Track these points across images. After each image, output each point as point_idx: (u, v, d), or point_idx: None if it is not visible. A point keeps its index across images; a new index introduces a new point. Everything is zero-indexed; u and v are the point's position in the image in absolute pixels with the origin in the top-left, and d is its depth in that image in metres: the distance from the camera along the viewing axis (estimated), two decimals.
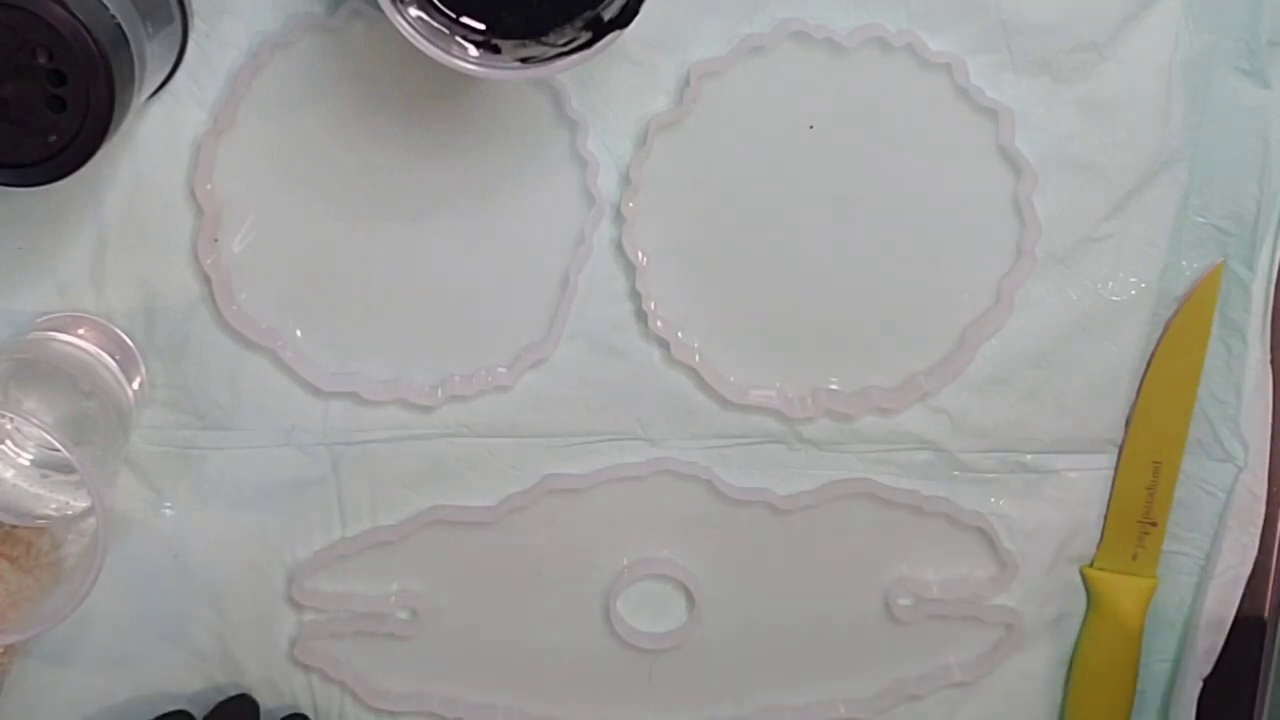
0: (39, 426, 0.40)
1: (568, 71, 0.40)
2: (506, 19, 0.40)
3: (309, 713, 0.53)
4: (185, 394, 0.49)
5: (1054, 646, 0.55)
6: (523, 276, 0.50)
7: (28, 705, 0.52)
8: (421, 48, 0.39)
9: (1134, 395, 0.53)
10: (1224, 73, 0.50)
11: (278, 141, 0.47)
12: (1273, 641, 0.53)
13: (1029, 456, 0.53)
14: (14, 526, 0.46)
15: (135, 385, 0.48)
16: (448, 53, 0.39)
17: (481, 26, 0.40)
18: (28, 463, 0.47)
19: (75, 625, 0.49)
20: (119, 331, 0.48)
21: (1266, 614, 0.53)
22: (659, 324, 0.50)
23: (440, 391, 0.50)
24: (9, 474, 0.46)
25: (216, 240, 0.48)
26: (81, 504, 0.46)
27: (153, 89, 0.45)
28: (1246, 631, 0.53)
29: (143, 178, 0.47)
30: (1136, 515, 0.53)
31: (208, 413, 0.50)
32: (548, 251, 0.49)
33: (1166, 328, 0.52)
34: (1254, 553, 0.53)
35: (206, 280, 0.48)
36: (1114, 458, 0.53)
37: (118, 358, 0.47)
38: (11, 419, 0.46)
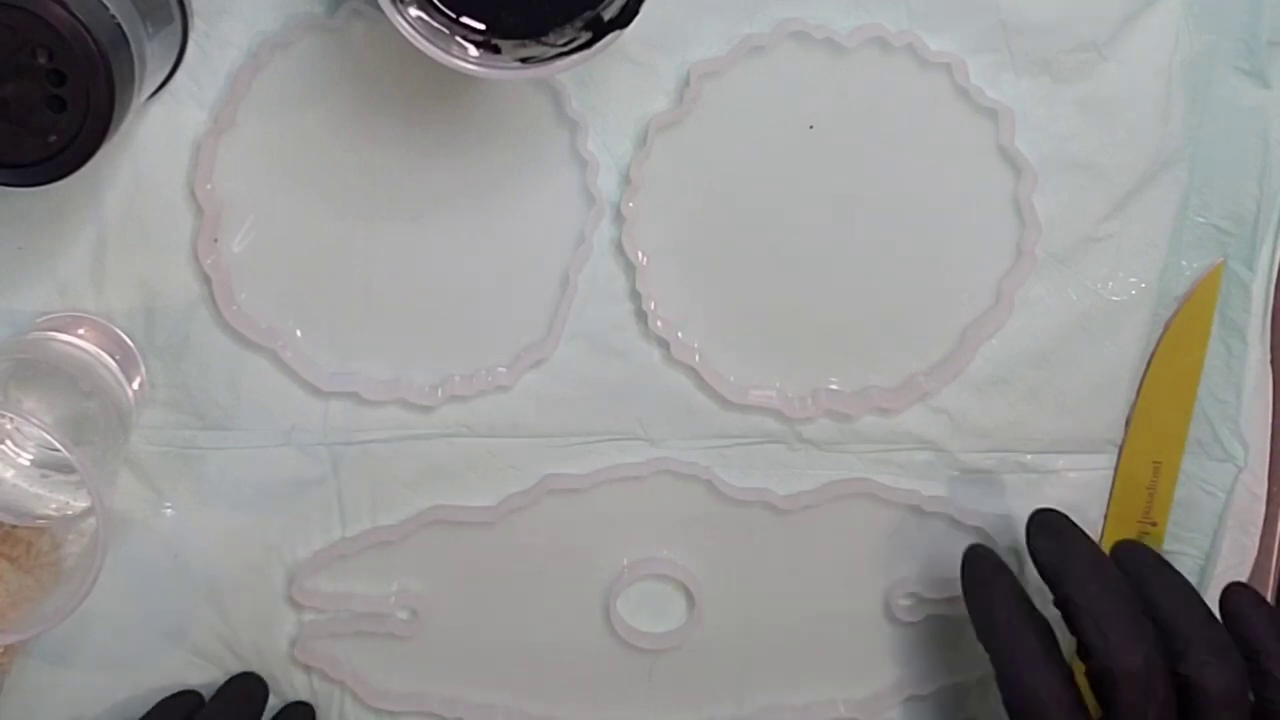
0: (39, 426, 0.40)
1: (568, 71, 0.40)
2: (506, 19, 0.40)
3: None
4: (185, 394, 0.49)
5: None
6: (523, 276, 0.50)
7: (28, 705, 0.52)
8: (421, 48, 0.39)
9: (1134, 395, 0.53)
10: (1224, 73, 0.50)
11: (278, 141, 0.47)
12: None
13: (1029, 456, 0.53)
14: (14, 526, 0.46)
15: (135, 385, 0.48)
16: (448, 53, 0.39)
17: (481, 26, 0.40)
18: (28, 463, 0.47)
19: (75, 625, 0.49)
20: (119, 331, 0.48)
21: None
22: (659, 324, 0.50)
23: (440, 391, 0.50)
24: (9, 474, 0.46)
25: (216, 240, 0.48)
26: (81, 504, 0.46)
27: (153, 89, 0.45)
28: None
29: (143, 178, 0.47)
30: (1136, 515, 0.54)
31: (208, 413, 0.50)
32: (548, 251, 0.49)
33: (1166, 328, 0.52)
34: (1254, 553, 0.53)
35: (206, 280, 0.48)
36: (1114, 458, 0.53)
37: (118, 358, 0.47)
38: (11, 419, 0.46)
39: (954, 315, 0.51)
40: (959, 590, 0.53)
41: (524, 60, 0.40)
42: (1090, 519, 0.54)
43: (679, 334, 0.50)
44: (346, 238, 0.49)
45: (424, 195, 0.48)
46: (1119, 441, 0.53)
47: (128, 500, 0.50)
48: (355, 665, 0.53)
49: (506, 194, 0.49)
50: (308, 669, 0.53)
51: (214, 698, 0.51)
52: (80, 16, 0.36)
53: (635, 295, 0.50)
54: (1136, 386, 0.53)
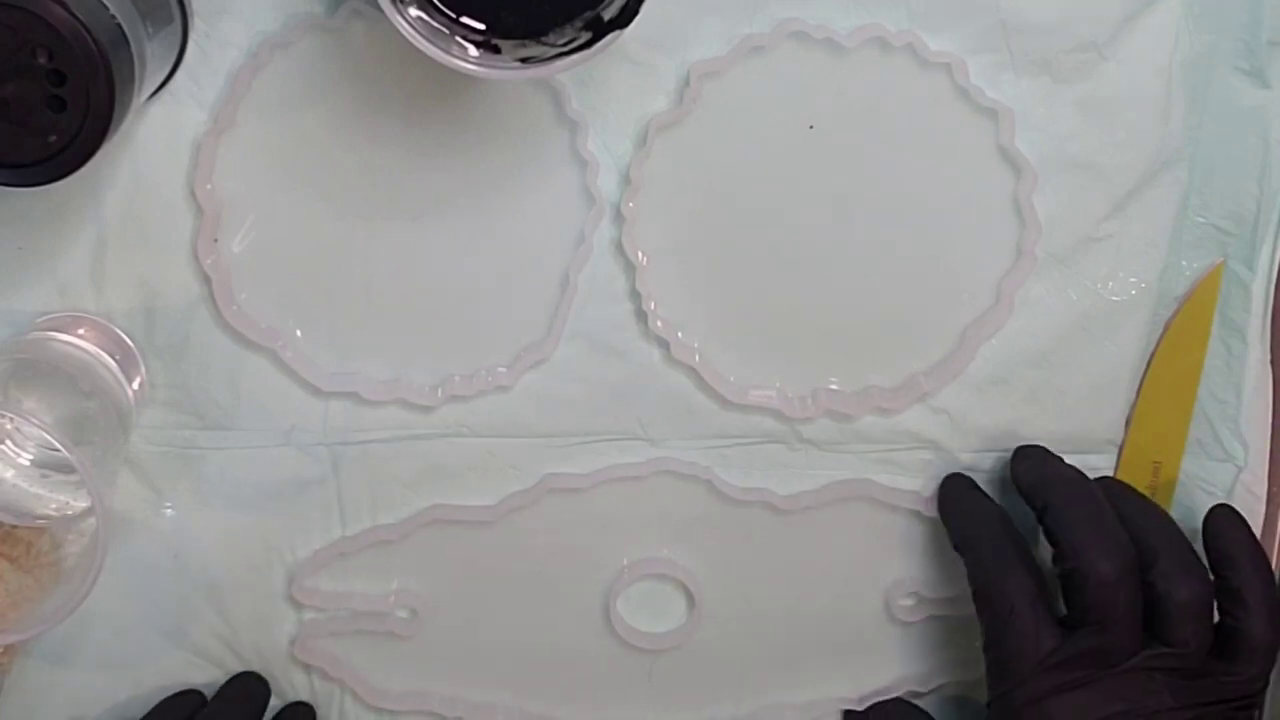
0: (39, 426, 0.40)
1: (568, 71, 0.40)
2: (506, 19, 0.40)
3: None
4: (185, 394, 0.49)
5: None
6: (523, 276, 0.50)
7: (28, 705, 0.52)
8: (421, 48, 0.39)
9: (1134, 395, 0.53)
10: (1224, 73, 0.50)
11: (278, 141, 0.47)
12: None
13: None
14: (14, 526, 0.46)
15: (135, 385, 0.48)
16: (448, 53, 0.39)
17: (481, 26, 0.40)
18: (28, 463, 0.47)
19: (75, 625, 0.49)
20: (119, 331, 0.48)
21: None
22: (659, 324, 0.50)
23: (440, 391, 0.50)
24: (9, 474, 0.46)
25: (216, 240, 0.48)
26: (81, 504, 0.46)
27: (153, 89, 0.45)
28: None
29: (143, 178, 0.47)
30: None
31: (208, 413, 0.50)
32: (548, 251, 0.49)
33: (1166, 328, 0.52)
34: None
35: (206, 280, 0.48)
36: (1114, 458, 0.53)
37: (118, 358, 0.47)
38: (11, 419, 0.46)
39: (954, 315, 0.51)
40: (959, 590, 0.53)
41: (524, 60, 0.40)
42: None
43: (679, 334, 0.50)
44: (346, 238, 0.48)
45: (424, 195, 0.48)
46: (1119, 441, 0.53)
47: (128, 500, 0.50)
48: (355, 664, 0.53)
49: (506, 194, 0.49)
50: (307, 668, 0.53)
51: (215, 697, 0.51)
52: (80, 16, 0.36)
53: (635, 295, 0.50)
54: (1136, 386, 0.53)
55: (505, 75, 0.40)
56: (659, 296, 0.50)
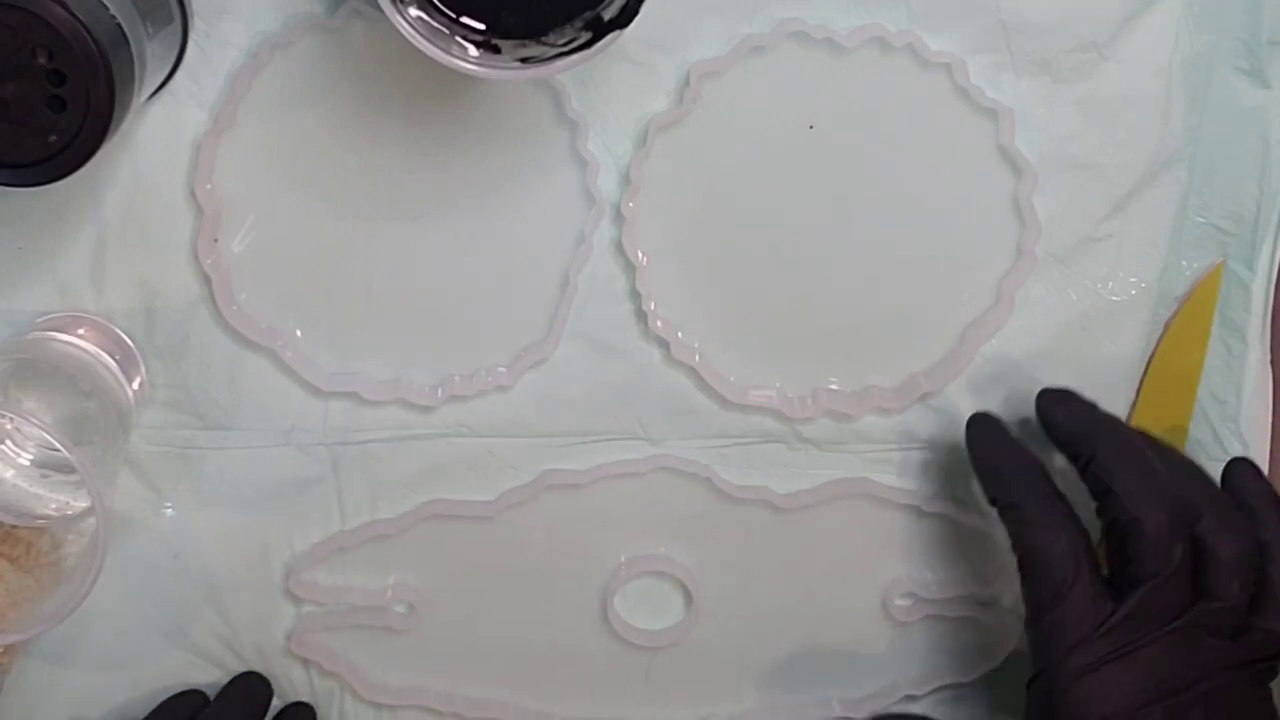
0: (39, 426, 0.40)
1: (568, 71, 0.40)
2: (506, 19, 0.40)
3: None
4: (185, 394, 0.49)
5: None
6: (523, 276, 0.50)
7: (28, 705, 0.52)
8: (421, 48, 0.39)
9: (1134, 395, 0.53)
10: (1224, 73, 0.50)
11: (278, 141, 0.47)
12: None
13: None
14: (14, 526, 0.46)
15: (135, 385, 0.48)
16: (448, 53, 0.39)
17: (481, 26, 0.40)
18: (28, 463, 0.47)
19: (75, 625, 0.49)
20: (119, 331, 0.48)
21: None
22: (659, 324, 0.50)
23: (440, 391, 0.50)
24: (9, 474, 0.46)
25: (216, 240, 0.48)
26: (81, 504, 0.46)
27: (153, 89, 0.45)
28: None
29: (143, 178, 0.47)
30: None
31: (208, 413, 0.50)
32: (548, 251, 0.49)
33: (1166, 328, 0.52)
34: None
35: (206, 280, 0.48)
36: None
37: (118, 358, 0.47)
38: (11, 419, 0.46)
39: (954, 315, 0.51)
40: (958, 590, 0.53)
41: (524, 60, 0.40)
42: (1091, 518, 0.54)
43: (679, 334, 0.50)
44: (346, 238, 0.48)
45: (424, 195, 0.48)
46: None
47: (128, 500, 0.50)
48: (352, 659, 0.53)
49: (506, 194, 0.49)
50: (306, 664, 0.53)
51: (218, 697, 0.51)
52: (80, 16, 0.36)
53: (635, 295, 0.50)
54: (1136, 386, 0.53)
55: (505, 75, 0.40)
56: (659, 296, 0.50)
